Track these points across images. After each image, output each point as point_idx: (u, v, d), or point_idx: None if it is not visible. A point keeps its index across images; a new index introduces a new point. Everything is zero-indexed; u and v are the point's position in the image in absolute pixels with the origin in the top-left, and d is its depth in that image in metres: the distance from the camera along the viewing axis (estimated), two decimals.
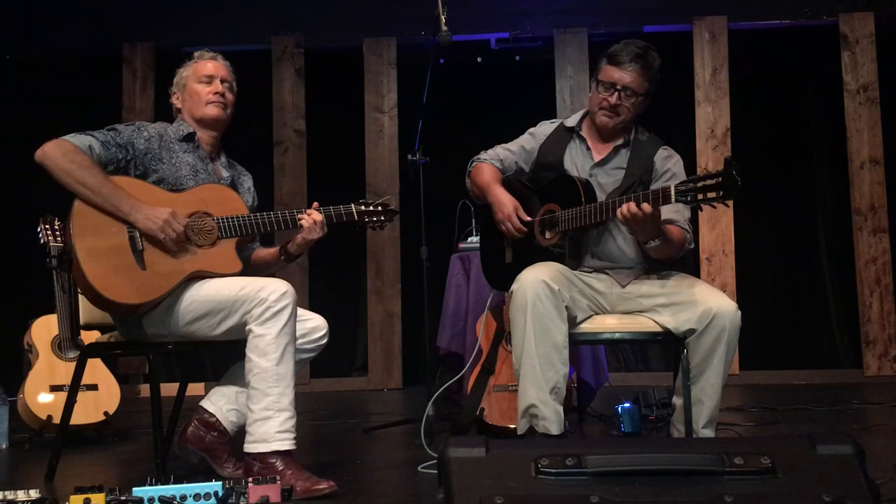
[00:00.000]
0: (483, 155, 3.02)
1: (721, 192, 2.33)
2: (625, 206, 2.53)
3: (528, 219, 2.85)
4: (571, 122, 2.97)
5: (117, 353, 3.65)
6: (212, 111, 2.77)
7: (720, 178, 2.33)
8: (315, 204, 2.77)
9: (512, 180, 3.00)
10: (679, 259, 2.83)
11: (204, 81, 2.78)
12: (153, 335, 2.62)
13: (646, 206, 2.49)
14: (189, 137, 2.75)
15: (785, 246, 5.75)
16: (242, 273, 2.66)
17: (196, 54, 2.85)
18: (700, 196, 2.38)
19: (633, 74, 2.78)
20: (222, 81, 2.80)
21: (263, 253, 2.91)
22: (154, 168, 2.65)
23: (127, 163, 2.63)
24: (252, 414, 2.48)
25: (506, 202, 2.85)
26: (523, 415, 2.63)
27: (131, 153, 2.63)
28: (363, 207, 2.82)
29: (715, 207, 2.41)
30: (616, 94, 2.80)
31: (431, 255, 3.63)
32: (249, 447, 2.48)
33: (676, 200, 2.44)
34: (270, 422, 2.46)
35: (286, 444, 2.46)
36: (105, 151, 2.57)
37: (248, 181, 2.96)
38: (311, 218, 2.72)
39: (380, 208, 2.84)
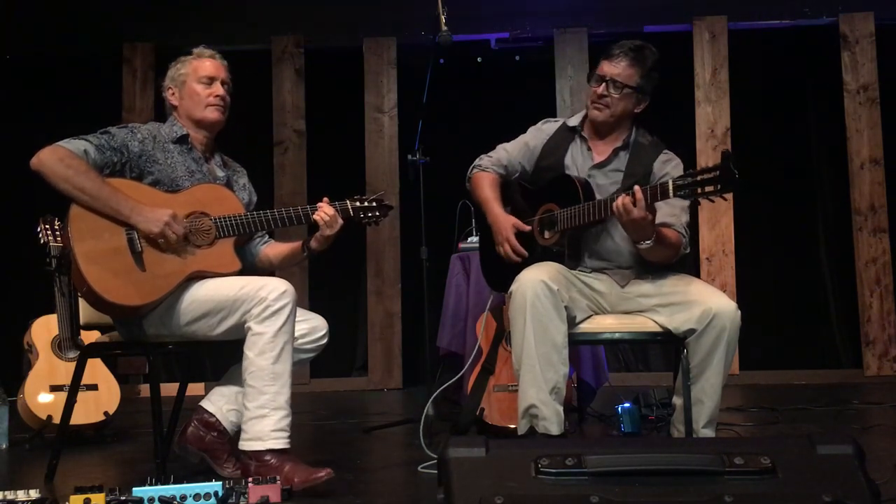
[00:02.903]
0: (484, 161, 3.01)
1: (719, 186, 2.33)
2: (619, 200, 2.52)
3: (528, 228, 2.85)
4: (574, 121, 2.97)
5: (117, 353, 3.67)
6: (212, 114, 2.77)
7: (718, 172, 2.33)
8: (325, 199, 2.77)
9: (511, 183, 3.00)
10: (679, 258, 2.83)
11: (204, 82, 2.77)
12: (153, 335, 2.62)
13: (637, 192, 2.47)
14: (182, 140, 2.75)
15: (785, 246, 5.74)
16: (258, 269, 2.65)
17: (195, 51, 2.83)
18: (698, 190, 2.37)
19: (621, 66, 2.79)
20: (222, 83, 2.79)
21: (282, 248, 2.90)
22: (149, 170, 2.65)
23: (122, 165, 2.62)
24: (247, 412, 2.48)
25: (503, 224, 2.85)
26: (523, 415, 2.63)
27: (126, 156, 2.62)
28: (358, 203, 2.82)
29: (713, 201, 2.41)
30: (604, 85, 2.81)
31: (431, 255, 3.63)
32: (244, 444, 2.48)
33: (674, 195, 2.44)
34: (265, 420, 2.46)
35: (280, 442, 2.47)
36: (100, 155, 2.57)
37: (242, 178, 2.95)
38: (325, 213, 2.72)
39: (374, 203, 2.84)
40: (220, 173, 2.83)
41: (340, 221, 2.75)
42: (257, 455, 2.46)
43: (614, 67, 2.80)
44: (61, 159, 2.49)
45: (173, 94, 2.79)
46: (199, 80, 2.77)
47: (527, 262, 2.72)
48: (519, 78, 5.96)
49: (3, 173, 5.44)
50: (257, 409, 2.46)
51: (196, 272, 2.58)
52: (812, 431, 1.81)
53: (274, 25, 5.85)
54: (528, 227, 2.85)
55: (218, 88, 2.78)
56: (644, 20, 5.70)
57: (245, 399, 2.49)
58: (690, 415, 2.63)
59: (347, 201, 2.81)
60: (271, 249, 2.91)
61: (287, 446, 2.48)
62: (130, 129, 2.69)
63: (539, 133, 3.01)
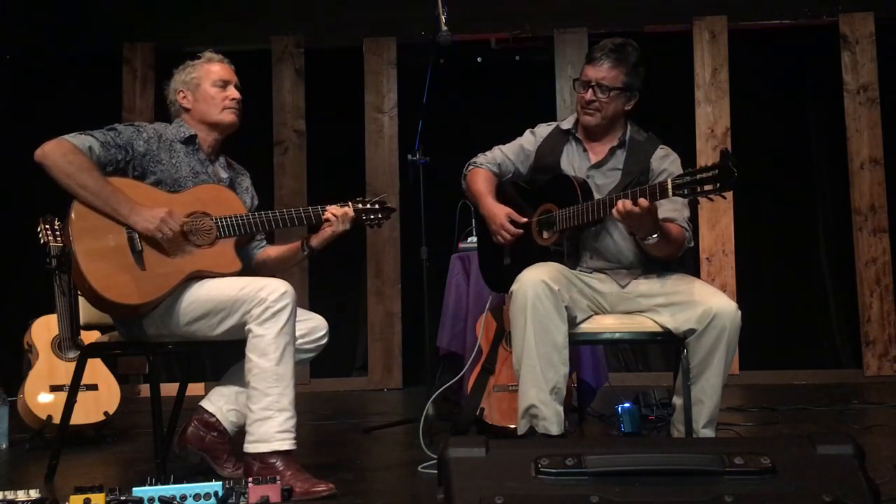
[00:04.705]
0: (480, 158, 3.02)
1: (718, 184, 2.32)
2: (620, 204, 2.52)
3: (524, 220, 2.85)
4: (567, 124, 2.97)
5: (117, 353, 3.67)
6: (228, 117, 2.78)
7: (717, 171, 2.32)
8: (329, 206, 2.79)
9: (507, 184, 3.00)
10: (679, 258, 2.82)
11: (219, 86, 2.78)
12: (153, 335, 2.62)
13: (642, 202, 2.48)
14: (189, 140, 2.75)
15: (785, 246, 5.75)
16: (257, 273, 2.65)
17: (206, 55, 2.84)
18: (698, 188, 2.36)
19: (605, 69, 2.79)
20: (235, 87, 2.81)
21: (281, 250, 2.91)
22: (152, 169, 2.65)
23: (126, 164, 2.62)
24: (252, 414, 2.48)
25: (497, 213, 2.86)
26: (523, 415, 2.63)
27: (130, 154, 2.62)
28: (360, 205, 2.82)
29: (712, 200, 2.40)
30: (590, 90, 2.81)
31: (431, 255, 3.63)
32: (249, 447, 2.48)
33: (674, 194, 2.43)
34: (270, 422, 2.45)
35: (286, 444, 2.46)
36: (105, 152, 2.57)
37: (246, 181, 2.96)
38: (337, 211, 2.73)
39: (377, 206, 2.84)
40: (224, 175, 2.83)
41: (352, 214, 2.76)
42: (262, 457, 2.46)
43: (598, 71, 2.80)
44: (65, 154, 2.49)
45: (185, 97, 2.79)
46: (214, 83, 2.77)
47: (526, 263, 2.72)
48: (519, 78, 5.96)
49: (2, 173, 5.45)
50: (262, 410, 2.46)
51: (196, 272, 2.58)
52: (812, 431, 1.81)
53: (274, 25, 5.85)
54: (523, 219, 2.85)
55: (233, 92, 2.80)
56: (644, 20, 5.70)
57: (249, 401, 2.49)
58: (690, 415, 2.63)
59: (350, 203, 2.81)
60: (270, 252, 2.92)
61: (293, 447, 2.48)
62: (136, 127, 2.69)
63: (533, 136, 3.01)
